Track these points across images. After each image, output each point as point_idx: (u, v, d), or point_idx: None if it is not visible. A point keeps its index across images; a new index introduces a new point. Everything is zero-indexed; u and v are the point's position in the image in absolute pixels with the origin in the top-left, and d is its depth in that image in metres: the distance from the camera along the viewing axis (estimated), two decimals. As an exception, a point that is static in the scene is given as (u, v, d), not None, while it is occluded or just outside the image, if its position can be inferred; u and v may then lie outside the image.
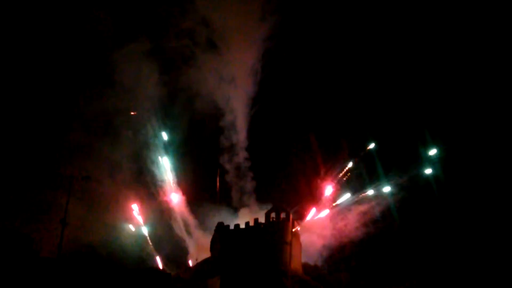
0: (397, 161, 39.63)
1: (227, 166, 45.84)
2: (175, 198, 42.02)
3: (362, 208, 38.59)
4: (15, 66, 41.23)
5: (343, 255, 38.48)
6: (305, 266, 38.57)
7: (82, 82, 43.18)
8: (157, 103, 44.34)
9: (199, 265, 38.52)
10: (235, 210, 44.48)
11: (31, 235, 34.58)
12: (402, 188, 38.12)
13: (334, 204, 39.70)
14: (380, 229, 37.40)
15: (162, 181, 42.09)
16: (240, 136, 46.54)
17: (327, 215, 39.91)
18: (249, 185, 44.89)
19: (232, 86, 47.16)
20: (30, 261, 33.40)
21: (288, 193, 43.12)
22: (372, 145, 41.46)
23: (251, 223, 37.88)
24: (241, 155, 45.95)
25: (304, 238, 39.24)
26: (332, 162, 42.29)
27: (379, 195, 38.74)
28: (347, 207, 39.32)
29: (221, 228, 38.37)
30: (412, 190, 37.87)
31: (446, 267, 33.36)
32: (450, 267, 33.28)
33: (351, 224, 38.55)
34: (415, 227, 36.69)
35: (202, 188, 44.68)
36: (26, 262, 33.18)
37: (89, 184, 37.81)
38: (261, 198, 44.51)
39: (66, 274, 33.40)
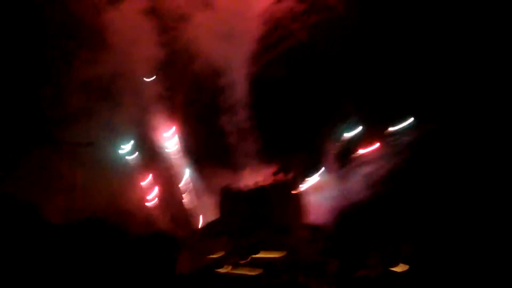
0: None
1: (230, 127, 46.23)
2: (181, 162, 42.77)
3: (369, 168, 39.37)
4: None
5: (350, 216, 39.25)
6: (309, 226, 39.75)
7: (77, 45, 43.44)
8: (156, 65, 44.16)
9: (207, 228, 39.94)
10: (240, 170, 44.71)
11: (37, 202, 35.96)
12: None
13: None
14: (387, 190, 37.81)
15: (167, 145, 42.68)
16: (241, 94, 46.63)
17: (333, 176, 40.80)
18: (253, 145, 45.40)
19: (231, 43, 46.97)
20: (37, 228, 34.61)
21: (295, 153, 43.18)
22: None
23: (258, 184, 39.19)
24: (243, 114, 46.33)
25: (311, 200, 40.29)
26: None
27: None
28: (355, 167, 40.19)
29: (227, 190, 39.59)
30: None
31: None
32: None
33: (358, 184, 39.34)
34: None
35: (206, 150, 44.49)
36: (32, 229, 34.36)
37: (93, 150, 39.06)
38: (266, 158, 44.25)
39: (72, 240, 34.62)
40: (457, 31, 39.62)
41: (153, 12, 43.98)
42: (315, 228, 39.46)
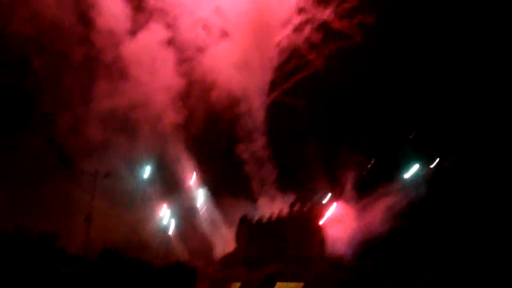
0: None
1: (247, 156, 47.08)
2: (199, 193, 43.69)
3: (387, 202, 39.92)
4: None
5: (368, 248, 39.63)
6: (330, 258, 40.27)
7: (96, 75, 45.01)
8: (174, 96, 45.43)
9: (224, 258, 40.59)
10: (256, 200, 45.49)
11: (57, 233, 36.85)
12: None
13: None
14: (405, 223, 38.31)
15: (185, 176, 43.66)
16: (258, 123, 47.70)
17: (350, 209, 41.41)
18: (270, 174, 46.19)
19: (247, 73, 48.15)
20: (57, 259, 35.37)
21: (311, 183, 43.88)
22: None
23: (275, 215, 39.86)
24: (260, 144, 47.20)
25: (328, 232, 40.75)
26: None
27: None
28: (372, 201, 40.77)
29: (245, 221, 40.32)
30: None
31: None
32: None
33: (377, 217, 39.83)
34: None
35: (222, 180, 45.42)
36: (53, 260, 35.12)
37: (111, 180, 40.06)
38: (282, 188, 45.27)
39: (92, 271, 35.30)
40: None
41: (171, 43, 45.86)
42: (333, 260, 39.70)
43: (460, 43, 41.28)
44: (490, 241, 34.94)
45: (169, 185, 43.67)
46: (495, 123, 38.67)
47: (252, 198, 45.17)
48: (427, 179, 39.79)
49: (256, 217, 40.33)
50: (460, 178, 38.10)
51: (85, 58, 43.56)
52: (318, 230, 39.41)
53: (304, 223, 39.39)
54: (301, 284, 36.61)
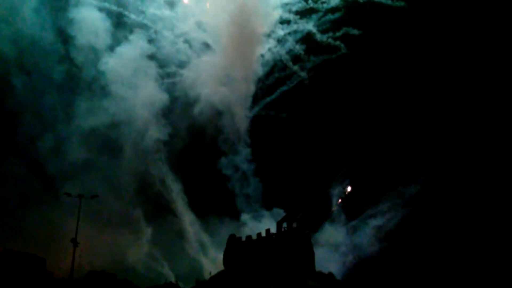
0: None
1: (230, 172, 48.22)
2: (184, 214, 45.16)
3: (376, 222, 42.09)
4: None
5: (358, 267, 41.52)
6: (319, 275, 41.41)
7: (76, 93, 46.28)
8: (156, 111, 46.86)
9: (213, 279, 41.82)
10: (242, 217, 47.01)
11: (43, 257, 38.04)
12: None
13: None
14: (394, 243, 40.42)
15: (169, 196, 45.24)
16: (241, 138, 49.21)
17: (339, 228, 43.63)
18: (255, 190, 47.53)
19: (229, 87, 49.68)
20: (44, 283, 36.69)
21: (298, 200, 45.81)
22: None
23: (263, 233, 41.28)
24: (244, 159, 48.55)
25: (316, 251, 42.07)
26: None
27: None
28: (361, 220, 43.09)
29: (233, 240, 41.67)
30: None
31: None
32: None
33: (366, 237, 41.92)
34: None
35: (208, 197, 46.77)
36: (41, 284, 36.44)
37: (96, 203, 41.06)
38: (268, 204, 47.08)
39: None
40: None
41: (152, 58, 47.40)
42: (323, 278, 40.83)
43: (444, 53, 44.42)
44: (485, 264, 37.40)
45: (155, 205, 45.22)
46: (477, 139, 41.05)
47: (238, 217, 46.80)
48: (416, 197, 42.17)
49: (244, 237, 41.55)
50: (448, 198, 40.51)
51: (66, 76, 45.48)
52: (308, 248, 40.81)
53: (293, 241, 40.66)
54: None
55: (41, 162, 43.23)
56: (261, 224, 44.51)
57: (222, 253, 42.41)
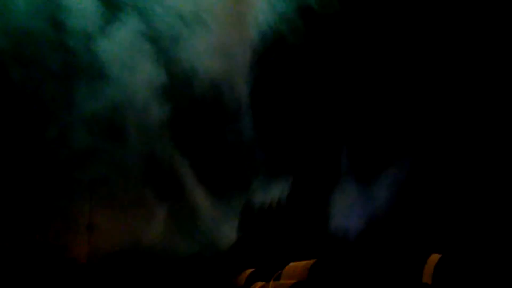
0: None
1: (236, 142, 47.94)
2: (195, 189, 45.63)
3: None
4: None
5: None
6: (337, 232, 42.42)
7: (73, 78, 46.08)
8: (155, 88, 46.63)
9: (230, 248, 42.80)
10: (253, 185, 46.92)
11: (63, 244, 39.07)
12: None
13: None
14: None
15: (178, 173, 45.63)
16: (243, 106, 48.88)
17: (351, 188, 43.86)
18: (264, 158, 47.28)
19: (226, 56, 49.33)
20: (68, 269, 37.81)
21: (310, 163, 46.09)
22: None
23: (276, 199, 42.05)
24: (249, 128, 48.67)
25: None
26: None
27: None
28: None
29: (247, 208, 42.42)
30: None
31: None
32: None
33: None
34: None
35: (217, 170, 46.95)
36: (64, 271, 37.55)
37: (107, 187, 41.88)
38: (277, 170, 46.55)
39: (101, 277, 37.75)
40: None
41: (145, 35, 47.00)
42: (340, 234, 41.71)
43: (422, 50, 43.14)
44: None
45: (166, 184, 45.47)
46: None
47: (248, 187, 46.97)
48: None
49: (257, 206, 42.25)
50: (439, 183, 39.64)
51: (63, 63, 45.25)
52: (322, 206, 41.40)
53: (306, 203, 41.38)
54: (312, 261, 38.71)
55: (48, 151, 43.67)
56: (273, 190, 44.99)
57: (237, 223, 43.47)
